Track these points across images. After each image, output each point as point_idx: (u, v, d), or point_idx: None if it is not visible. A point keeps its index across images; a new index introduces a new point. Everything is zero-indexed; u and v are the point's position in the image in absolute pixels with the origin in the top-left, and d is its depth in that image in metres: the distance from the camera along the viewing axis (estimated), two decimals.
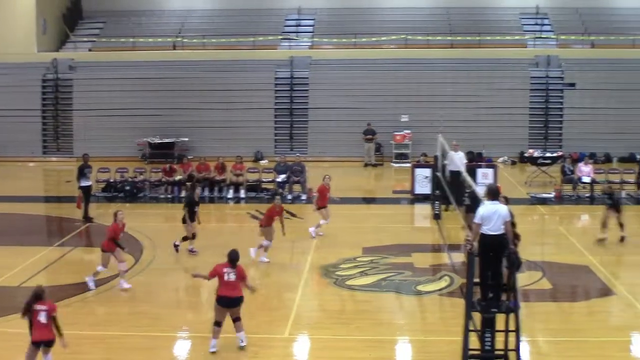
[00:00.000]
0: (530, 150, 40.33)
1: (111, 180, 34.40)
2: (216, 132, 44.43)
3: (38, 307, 14.08)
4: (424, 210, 30.73)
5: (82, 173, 29.05)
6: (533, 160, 38.12)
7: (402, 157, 43.17)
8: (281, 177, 33.65)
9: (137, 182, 34.17)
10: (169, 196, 33.50)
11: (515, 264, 16.22)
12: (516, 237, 17.46)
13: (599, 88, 44.49)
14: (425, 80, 45.16)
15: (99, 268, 20.43)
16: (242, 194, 33.42)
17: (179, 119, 44.54)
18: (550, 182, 35.16)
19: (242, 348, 16.15)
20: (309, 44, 49.34)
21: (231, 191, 33.46)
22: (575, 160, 37.45)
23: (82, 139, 44.62)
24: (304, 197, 32.85)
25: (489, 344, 14.64)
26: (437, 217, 28.44)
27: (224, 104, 44.83)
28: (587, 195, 32.98)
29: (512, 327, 14.36)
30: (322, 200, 26.24)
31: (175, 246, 23.90)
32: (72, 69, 46.86)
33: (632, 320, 17.85)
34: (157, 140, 43.70)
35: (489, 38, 47.72)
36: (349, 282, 20.80)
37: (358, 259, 23.08)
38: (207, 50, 47.51)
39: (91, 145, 41.30)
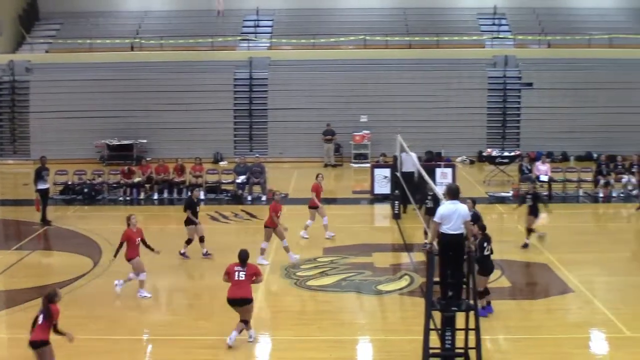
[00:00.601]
0: (489, 150, 40.59)
1: (69, 183, 34.13)
2: (175, 133, 44.22)
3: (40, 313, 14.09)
4: (383, 210, 30.83)
5: (39, 176, 28.77)
6: (491, 160, 38.37)
7: (361, 157, 43.27)
8: (241, 179, 33.57)
9: (96, 184, 33.93)
10: (128, 198, 33.29)
11: (490, 269, 16.65)
12: (487, 239, 17.61)
13: (555, 87, 44.91)
14: (383, 80, 45.31)
15: (131, 275, 20.09)
16: (202, 195, 33.29)
17: (137, 120, 44.27)
18: (508, 181, 35.43)
19: (251, 342, 16.56)
20: (268, 44, 49.29)
21: (190, 193, 33.28)
22: (533, 159, 37.78)
23: (39, 141, 44.15)
24: (264, 198, 32.81)
25: (450, 342, 14.73)
26: (396, 216, 28.56)
27: (182, 105, 44.62)
28: (545, 193, 33.24)
29: (472, 325, 14.46)
30: (317, 199, 26.07)
31: (182, 254, 23.48)
32: (29, 71, 46.39)
33: (590, 317, 18.03)
34: (116, 142, 43.41)
35: (446, 38, 47.97)
36: (309, 283, 20.82)
37: (318, 260, 23.10)
38: (165, 52, 47.27)
39: (49, 148, 40.82)
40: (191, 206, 23.91)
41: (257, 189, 33.44)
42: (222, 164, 42.46)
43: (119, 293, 19.71)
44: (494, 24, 50.12)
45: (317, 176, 26.91)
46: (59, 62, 46.41)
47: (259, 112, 45.53)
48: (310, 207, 26.09)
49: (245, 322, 16.48)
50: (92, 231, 26.83)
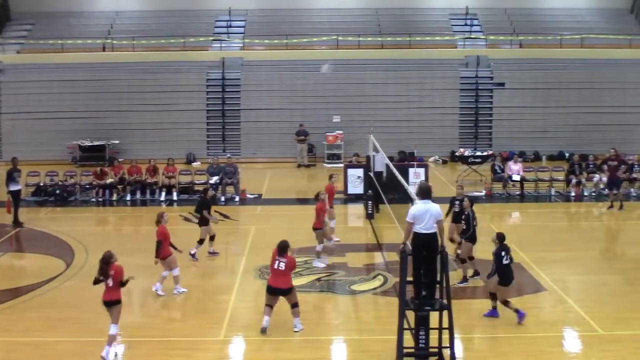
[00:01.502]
0: (461, 150, 40.80)
1: (41, 184, 33.93)
2: (147, 134, 44.09)
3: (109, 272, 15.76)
4: (356, 210, 30.86)
5: (11, 177, 28.56)
6: (464, 159, 38.55)
7: (334, 157, 43.30)
8: (214, 179, 33.48)
9: (68, 185, 33.75)
10: (100, 199, 33.12)
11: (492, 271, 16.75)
12: (505, 248, 17.60)
13: (527, 87, 45.21)
14: (356, 80, 45.38)
15: (164, 274, 20.07)
16: (175, 196, 33.21)
17: (110, 121, 44.09)
18: (481, 180, 35.58)
19: (296, 332, 16.93)
20: (240, 45, 49.19)
21: (163, 194, 33.21)
22: (505, 159, 38.08)
23: (10, 142, 43.91)
24: (237, 198, 32.76)
25: (423, 341, 14.77)
26: (370, 216, 28.58)
27: (155, 106, 44.48)
28: (517, 193, 33.47)
29: (445, 324, 14.50)
30: (329, 200, 25.16)
31: (192, 254, 23.28)
32: (0, 72, 46.04)
33: (563, 316, 18.12)
34: (88, 143, 43.20)
35: (419, 39, 48.09)
36: None
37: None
38: (137, 52, 47.09)
39: (20, 149, 40.67)
40: (207, 205, 23.92)
41: (230, 189, 33.36)
42: (195, 164, 42.35)
43: (163, 295, 19.54)
44: (466, 25, 50.33)
45: (330, 177, 26.45)
46: (30, 63, 46.14)
47: (232, 113, 45.46)
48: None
49: (295, 305, 17.19)
50: (64, 233, 26.67)
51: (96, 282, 15.98)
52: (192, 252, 23.28)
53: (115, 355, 15.84)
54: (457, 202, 22.52)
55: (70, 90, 44.41)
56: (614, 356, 15.72)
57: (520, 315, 17.44)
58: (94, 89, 44.43)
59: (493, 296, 17.76)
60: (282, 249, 17.19)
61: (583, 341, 16.58)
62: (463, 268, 20.56)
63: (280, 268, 16.98)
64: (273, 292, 17.08)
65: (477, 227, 20.34)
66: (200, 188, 33.63)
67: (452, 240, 22.50)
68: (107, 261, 15.82)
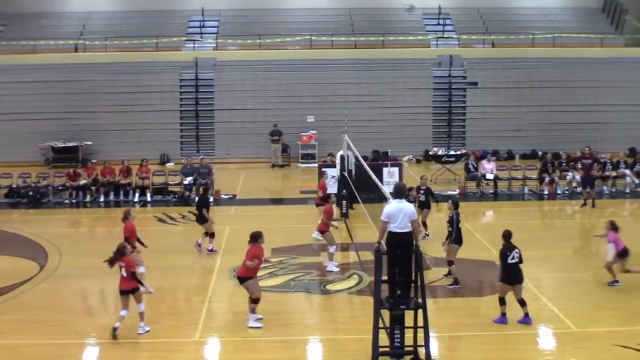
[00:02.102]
0: (435, 149, 40.93)
1: (14, 186, 33.71)
2: (121, 135, 43.89)
3: (120, 263, 16.85)
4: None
5: None
6: (437, 158, 38.68)
7: (308, 157, 43.31)
8: (188, 180, 33.39)
9: (41, 187, 33.55)
10: (74, 201, 32.97)
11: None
12: (510, 248, 17.52)
13: (500, 87, 45.42)
14: (330, 80, 45.42)
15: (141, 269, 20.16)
16: (149, 197, 33.10)
17: (83, 122, 43.85)
18: (455, 179, 35.73)
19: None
20: (214, 45, 49.10)
21: (137, 195, 33.10)
22: (479, 158, 38.26)
23: None
24: (211, 199, 32.67)
25: (399, 340, 14.82)
26: (344, 215, 28.61)
27: (128, 107, 44.28)
28: (491, 191, 33.63)
29: (420, 323, 14.55)
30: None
31: (210, 250, 24.01)
32: None
33: (537, 313, 18.20)
34: (61, 145, 42.95)
35: (392, 38, 48.21)
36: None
37: (267, 260, 23.02)
38: (109, 53, 46.87)
39: None
40: (206, 204, 24.27)
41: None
42: (169, 165, 42.23)
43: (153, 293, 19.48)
44: (438, 24, 50.52)
45: (323, 174, 27.15)
46: (2, 64, 45.68)
47: (206, 113, 45.36)
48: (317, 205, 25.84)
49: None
50: (37, 235, 26.52)
51: (111, 262, 17.12)
52: (209, 248, 23.98)
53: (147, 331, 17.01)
54: (422, 191, 25.26)
55: (42, 91, 44.13)
56: (588, 353, 15.83)
57: (502, 319, 17.42)
58: (66, 90, 44.17)
59: (502, 301, 17.54)
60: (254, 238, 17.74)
61: (557, 338, 16.69)
62: (452, 271, 20.52)
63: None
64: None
65: (461, 229, 20.45)
66: (175, 189, 33.73)
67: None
68: (121, 252, 16.98)
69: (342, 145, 31.15)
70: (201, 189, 25.88)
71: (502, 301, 17.52)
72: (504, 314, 17.49)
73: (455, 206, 20.74)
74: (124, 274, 16.86)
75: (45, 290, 20.55)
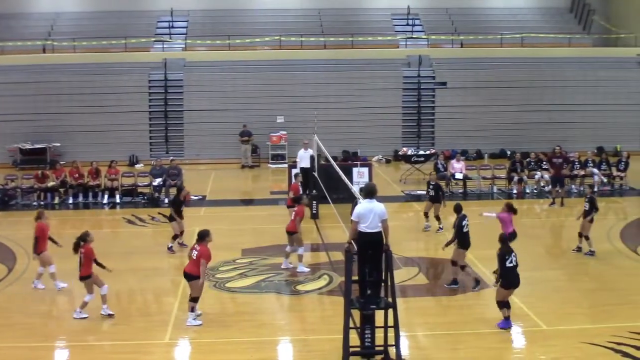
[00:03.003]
0: (404, 149, 41.04)
1: None
2: (89, 136, 43.59)
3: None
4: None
5: None
6: (407, 158, 38.79)
7: (278, 158, 43.31)
8: (157, 181, 33.25)
9: (8, 189, 33.26)
10: (42, 203, 32.65)
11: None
12: (508, 252, 17.10)
13: (469, 86, 45.62)
14: (299, 81, 45.43)
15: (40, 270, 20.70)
16: (118, 198, 32.94)
17: (51, 123, 43.55)
18: (424, 179, 35.74)
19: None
20: (183, 45, 48.99)
21: (106, 196, 32.91)
22: (448, 158, 38.45)
23: None
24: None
25: (369, 340, 14.84)
26: (314, 216, 28.61)
27: (96, 108, 43.98)
28: (460, 191, 33.77)
29: (391, 322, 14.57)
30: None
31: (169, 248, 24.00)
32: None
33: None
34: (29, 146, 42.62)
35: (361, 39, 48.32)
36: (228, 285, 20.74)
37: (237, 261, 23.03)
38: (77, 54, 46.60)
39: None
40: (177, 204, 24.34)
41: (173, 191, 33.10)
42: (138, 166, 42.03)
43: (43, 288, 19.80)
44: (407, 24, 50.70)
45: (296, 176, 26.97)
46: None
47: (175, 114, 45.19)
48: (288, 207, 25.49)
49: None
50: (5, 237, 26.30)
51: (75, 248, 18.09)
52: (170, 246, 24.00)
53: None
54: (431, 186, 26.83)
55: (10, 92, 43.76)
56: (558, 351, 15.93)
57: (506, 322, 17.05)
58: (34, 91, 43.83)
59: (501, 304, 17.17)
60: (201, 237, 17.87)
61: (527, 337, 16.78)
62: (453, 271, 20.51)
63: (193, 257, 17.68)
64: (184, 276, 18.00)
65: (468, 233, 20.42)
66: (145, 190, 33.56)
67: (425, 214, 26.88)
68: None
69: (312, 145, 31.17)
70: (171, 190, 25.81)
71: (501, 305, 17.11)
72: (507, 318, 17.08)
73: (457, 210, 20.71)
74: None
75: (14, 293, 20.38)
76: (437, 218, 26.28)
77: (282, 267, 22.28)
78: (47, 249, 20.62)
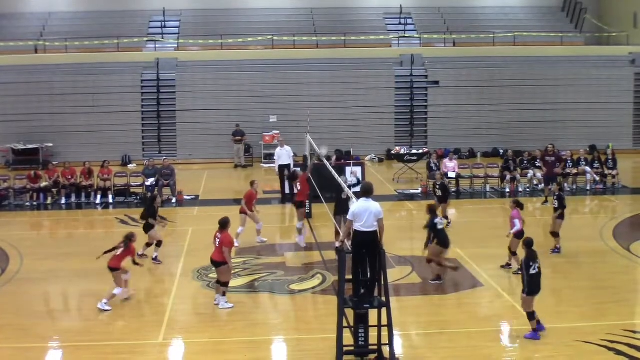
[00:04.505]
0: (397, 148, 41.07)
1: None
2: (82, 136, 43.52)
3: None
4: (294, 209, 30.79)
5: None
6: (400, 157, 38.79)
7: (271, 157, 43.18)
8: (150, 181, 33.20)
9: (1, 190, 33.16)
10: (35, 203, 32.66)
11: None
12: (533, 257, 16.72)
13: (461, 85, 45.65)
14: (292, 80, 45.39)
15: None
16: (110, 199, 32.90)
17: (43, 124, 43.45)
18: (417, 178, 35.88)
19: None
20: (175, 45, 48.93)
21: (99, 197, 32.85)
22: (441, 157, 38.44)
23: None
24: (174, 200, 32.56)
25: (363, 339, 14.86)
26: (308, 215, 28.58)
27: (88, 108, 43.88)
28: (453, 190, 33.75)
29: (384, 322, 14.59)
30: (249, 205, 25.24)
31: (155, 259, 23.05)
32: None
33: (500, 311, 18.36)
34: (21, 147, 42.52)
35: (354, 38, 48.33)
36: None
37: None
38: (70, 54, 46.48)
39: None
40: (153, 213, 23.38)
41: (166, 191, 33.12)
42: (131, 166, 41.99)
43: None
44: (400, 24, 50.70)
45: (252, 183, 26.10)
46: None
47: (167, 114, 45.11)
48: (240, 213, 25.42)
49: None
50: None
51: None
52: (155, 257, 23.08)
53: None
54: (437, 186, 27.40)
55: (2, 93, 43.61)
56: (551, 349, 15.96)
57: (534, 334, 16.48)
58: (26, 92, 43.71)
59: (531, 315, 16.63)
60: (222, 225, 18.94)
61: (520, 335, 16.79)
62: (432, 268, 20.57)
63: (217, 245, 18.79)
64: (211, 263, 19.11)
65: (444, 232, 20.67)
66: (137, 190, 33.52)
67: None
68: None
69: (305, 145, 31.19)
70: (149, 194, 25.57)
71: (531, 316, 16.57)
72: (535, 330, 16.53)
73: (431, 211, 20.73)
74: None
75: (7, 294, 20.36)
76: (445, 216, 26.19)
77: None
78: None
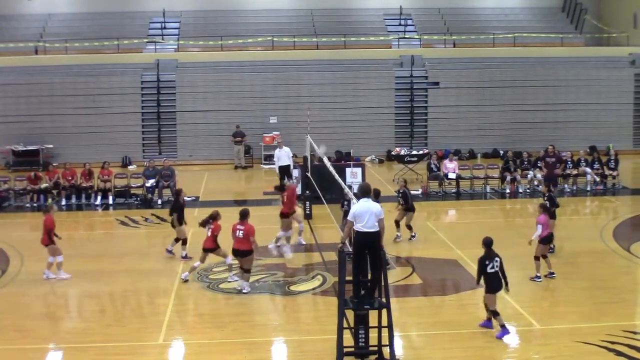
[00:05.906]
0: (397, 149, 41.07)
1: None
2: (82, 137, 43.53)
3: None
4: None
5: None
6: (400, 158, 38.80)
7: (271, 158, 43.19)
8: (150, 182, 33.20)
9: (2, 191, 33.18)
10: (35, 205, 32.65)
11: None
12: (490, 257, 16.87)
13: (461, 86, 45.65)
14: (292, 81, 45.39)
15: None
16: (111, 200, 32.90)
17: (43, 125, 43.46)
18: (417, 179, 35.84)
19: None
20: (175, 46, 48.93)
21: (99, 198, 32.86)
22: (441, 157, 38.44)
23: None
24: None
25: (363, 340, 14.85)
26: (308, 216, 28.61)
27: (89, 109, 43.91)
28: (453, 191, 33.80)
29: (385, 322, 14.58)
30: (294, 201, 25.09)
31: (169, 251, 23.65)
32: None
33: (500, 311, 18.25)
34: (21, 148, 42.55)
35: (354, 39, 48.33)
36: (222, 286, 20.71)
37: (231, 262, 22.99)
38: (70, 55, 46.50)
39: None
40: (178, 209, 23.74)
41: (166, 192, 33.11)
42: (131, 167, 41.99)
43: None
44: (400, 25, 50.70)
45: (290, 177, 27.17)
46: None
47: (168, 115, 45.11)
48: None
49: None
50: None
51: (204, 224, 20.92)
52: (169, 249, 23.66)
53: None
54: (399, 194, 25.39)
55: (2, 94, 43.67)
56: (551, 350, 15.96)
57: (504, 332, 16.62)
58: (27, 93, 43.73)
59: (495, 313, 16.85)
60: (242, 216, 19.74)
61: (520, 336, 16.80)
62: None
63: (239, 236, 19.60)
64: (235, 254, 19.96)
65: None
66: (137, 191, 33.52)
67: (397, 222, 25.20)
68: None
69: (305, 146, 31.19)
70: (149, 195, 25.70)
71: (495, 313, 16.79)
72: (502, 326, 16.63)
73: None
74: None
75: (7, 295, 20.35)
76: (409, 228, 25.07)
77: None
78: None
